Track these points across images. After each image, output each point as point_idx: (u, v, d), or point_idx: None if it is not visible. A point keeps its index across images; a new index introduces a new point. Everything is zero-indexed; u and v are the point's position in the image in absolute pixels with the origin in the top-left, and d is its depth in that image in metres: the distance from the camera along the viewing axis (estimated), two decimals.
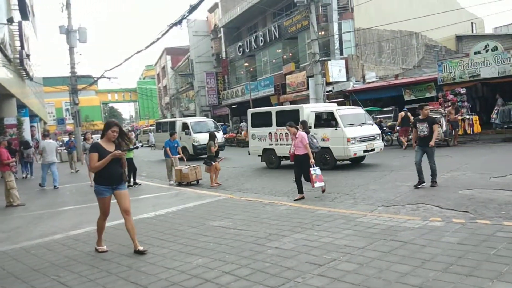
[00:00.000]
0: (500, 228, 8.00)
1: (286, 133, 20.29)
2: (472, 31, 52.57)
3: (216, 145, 19.11)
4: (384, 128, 29.30)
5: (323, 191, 13.62)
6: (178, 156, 20.17)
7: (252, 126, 23.87)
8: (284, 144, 21.38)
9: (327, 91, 34.98)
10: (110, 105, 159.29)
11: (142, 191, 17.73)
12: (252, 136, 23.88)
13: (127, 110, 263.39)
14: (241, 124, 49.98)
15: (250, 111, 24.84)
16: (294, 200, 12.92)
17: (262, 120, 23.24)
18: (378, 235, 8.17)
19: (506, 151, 21.33)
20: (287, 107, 27.09)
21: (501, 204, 10.30)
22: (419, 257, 6.71)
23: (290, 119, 19.00)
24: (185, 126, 33.51)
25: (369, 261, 6.75)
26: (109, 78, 45.57)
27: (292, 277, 6.33)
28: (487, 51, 27.56)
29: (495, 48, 27.24)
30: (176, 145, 20.17)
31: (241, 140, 43.59)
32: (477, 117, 27.54)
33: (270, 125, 22.18)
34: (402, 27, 41.02)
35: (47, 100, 78.08)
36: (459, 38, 47.01)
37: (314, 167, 13.24)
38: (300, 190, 13.38)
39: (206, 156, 19.15)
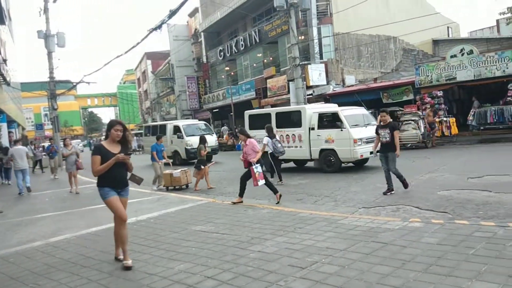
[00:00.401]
0: (478, 228, 8.06)
1: (288, 135, 20.32)
2: (448, 35, 53.03)
3: (207, 148, 19.07)
4: None
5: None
6: (164, 160, 19.80)
7: (250, 129, 21.59)
8: (289, 147, 20.34)
9: (307, 95, 35.05)
10: (90, 110, 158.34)
11: None
12: None
13: (107, 115, 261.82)
14: (222, 128, 49.93)
15: (247, 113, 23.55)
16: (233, 203, 13.13)
17: (261, 122, 21.37)
18: (359, 236, 8.20)
19: (483, 152, 21.54)
20: (287, 108, 25.34)
21: (478, 205, 10.42)
22: (399, 258, 6.75)
23: (291, 120, 19.63)
24: (176, 129, 32.13)
25: (351, 263, 6.78)
26: (88, 82, 45.75)
27: (275, 281, 6.33)
28: (463, 54, 27.81)
29: (471, 52, 27.51)
30: (162, 149, 19.80)
31: (222, 144, 43.61)
32: (454, 119, 27.95)
33: None
34: (380, 31, 41.37)
35: (25, 105, 77.29)
36: (435, 42, 47.37)
37: (255, 165, 13.14)
38: (241, 193, 13.57)
39: (197, 159, 18.93)
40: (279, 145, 18.06)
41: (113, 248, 8.32)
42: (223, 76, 57.33)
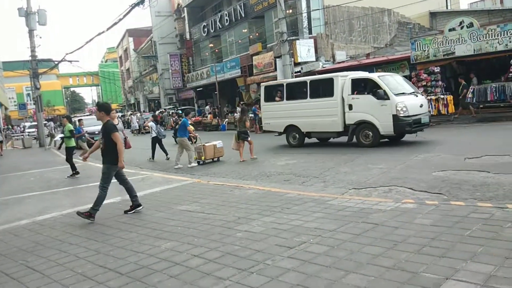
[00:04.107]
0: (474, 209, 8.08)
1: None
2: (447, 7, 52.76)
3: (248, 119, 20.59)
4: None
5: None
6: (191, 135, 19.88)
7: None
8: None
9: (295, 72, 35.01)
10: (72, 89, 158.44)
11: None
12: None
13: (89, 95, 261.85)
14: (205, 107, 49.85)
15: None
16: None
17: None
18: (349, 217, 8.23)
19: (482, 131, 21.52)
20: None
21: (475, 186, 10.44)
22: (391, 239, 6.79)
23: None
24: (370, 85, 19.91)
25: (340, 243, 6.82)
26: (70, 61, 45.90)
27: (262, 260, 6.41)
28: (462, 27, 27.70)
29: (471, 25, 27.39)
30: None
31: (207, 124, 43.71)
32: (451, 96, 27.69)
33: None
34: (374, 3, 41.22)
35: (7, 85, 77.70)
36: (433, 15, 47.12)
37: None
38: None
39: (240, 131, 19.24)
40: (162, 130, 22.96)
41: (100, 225, 8.39)
42: (207, 54, 57.23)
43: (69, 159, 18.62)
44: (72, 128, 19.19)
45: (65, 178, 18.13)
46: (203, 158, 19.19)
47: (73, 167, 18.40)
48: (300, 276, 5.73)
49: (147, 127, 22.98)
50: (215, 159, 19.52)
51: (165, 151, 22.40)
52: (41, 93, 41.53)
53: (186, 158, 19.35)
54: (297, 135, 22.18)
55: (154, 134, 22.22)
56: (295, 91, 22.94)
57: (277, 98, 23.72)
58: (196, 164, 19.00)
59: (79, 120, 26.58)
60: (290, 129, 22.41)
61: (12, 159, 31.43)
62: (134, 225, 9.23)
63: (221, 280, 5.84)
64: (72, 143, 19.09)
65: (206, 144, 19.33)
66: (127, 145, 17.60)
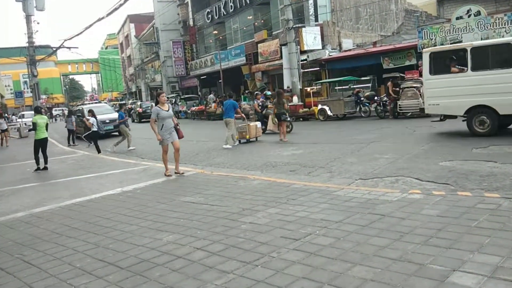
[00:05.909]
0: (481, 200, 8.09)
1: None
2: None
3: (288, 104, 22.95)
4: (362, 99, 29.47)
5: None
6: (238, 116, 21.41)
7: None
8: None
9: (301, 60, 34.96)
10: (71, 77, 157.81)
11: (108, 166, 17.71)
12: None
13: (89, 83, 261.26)
14: (209, 96, 49.70)
15: None
16: None
17: None
18: (355, 208, 8.23)
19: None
20: None
21: (482, 176, 10.43)
22: (397, 230, 6.79)
23: None
24: None
25: (346, 234, 6.82)
26: (69, 47, 45.67)
27: (267, 252, 6.39)
28: (469, 16, 27.68)
29: (478, 13, 27.38)
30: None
31: (210, 113, 43.53)
32: None
33: None
34: None
35: (4, 72, 77.35)
36: (440, 3, 47.07)
37: None
38: None
39: (280, 112, 20.97)
40: (102, 125, 25.14)
41: (99, 217, 8.40)
42: (211, 41, 57.09)
43: (35, 152, 18.39)
44: (43, 120, 18.72)
45: (32, 172, 18.00)
46: (247, 137, 20.94)
47: (37, 161, 18.31)
48: (306, 268, 5.73)
49: (89, 125, 23.26)
50: (253, 138, 21.47)
51: (97, 146, 23.19)
52: (38, 80, 41.55)
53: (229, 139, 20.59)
54: (487, 119, 16.50)
55: (95, 129, 23.46)
56: (489, 58, 16.84)
57: (453, 69, 17.33)
58: (230, 146, 20.17)
59: (121, 106, 27.49)
60: (476, 112, 16.75)
61: (8, 149, 31.52)
62: (135, 218, 9.14)
63: (225, 274, 5.83)
64: (41, 135, 18.41)
65: (251, 124, 21.21)
66: (179, 135, 14.50)
